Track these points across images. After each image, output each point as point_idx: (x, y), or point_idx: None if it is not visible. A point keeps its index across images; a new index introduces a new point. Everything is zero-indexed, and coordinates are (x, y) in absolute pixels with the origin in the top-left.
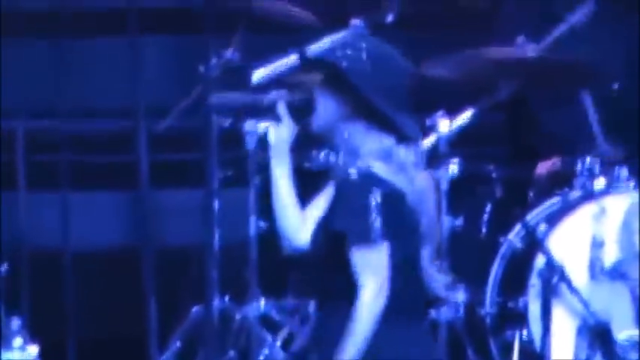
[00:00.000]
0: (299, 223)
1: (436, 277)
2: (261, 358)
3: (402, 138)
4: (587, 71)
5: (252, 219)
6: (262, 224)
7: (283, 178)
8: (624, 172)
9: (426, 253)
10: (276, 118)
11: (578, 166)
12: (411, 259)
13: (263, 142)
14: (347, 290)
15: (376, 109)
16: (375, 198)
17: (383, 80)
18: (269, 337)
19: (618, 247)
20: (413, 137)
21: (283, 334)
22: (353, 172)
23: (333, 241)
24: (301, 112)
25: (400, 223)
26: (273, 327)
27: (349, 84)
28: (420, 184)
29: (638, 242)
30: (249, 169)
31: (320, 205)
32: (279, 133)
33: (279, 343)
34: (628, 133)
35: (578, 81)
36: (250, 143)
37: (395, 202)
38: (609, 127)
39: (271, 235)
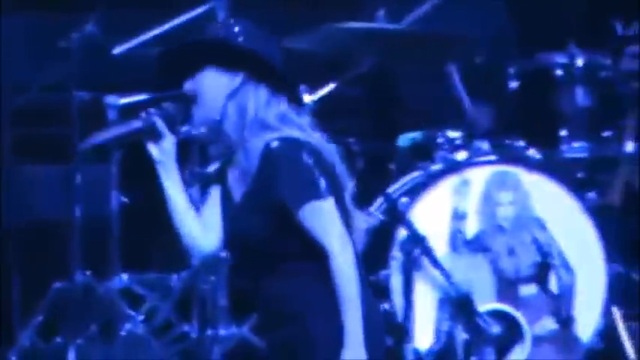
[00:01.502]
0: (201, 230)
1: (358, 215)
2: (123, 332)
3: (293, 100)
4: (449, 44)
5: (114, 194)
6: (124, 199)
7: (175, 190)
8: (485, 144)
9: (347, 196)
10: (157, 135)
11: (440, 139)
12: (342, 205)
13: (125, 114)
14: (302, 265)
15: (275, 71)
16: (307, 157)
17: (270, 50)
18: (131, 312)
19: (479, 219)
20: (301, 98)
21: (145, 307)
22: (274, 142)
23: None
24: (176, 119)
25: (331, 177)
26: (135, 301)
27: (246, 53)
28: (320, 139)
29: (498, 214)
30: (110, 144)
31: (215, 204)
32: (163, 148)
33: (141, 317)
34: (493, 105)
35: (441, 54)
36: (111, 116)
37: (320, 158)
38: (475, 99)
39: (133, 210)
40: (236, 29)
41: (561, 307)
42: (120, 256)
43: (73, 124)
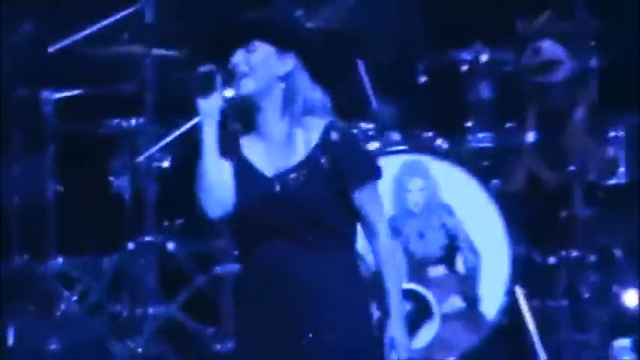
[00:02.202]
0: (231, 188)
1: None
2: (59, 312)
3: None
4: (357, 41)
5: (50, 182)
6: (59, 187)
7: (214, 145)
8: (396, 135)
9: None
10: (209, 89)
11: (354, 130)
12: None
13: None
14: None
15: (320, 57)
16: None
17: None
18: (66, 292)
19: (391, 205)
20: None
21: (79, 288)
22: (335, 127)
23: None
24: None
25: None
26: (69, 283)
27: (299, 34)
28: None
29: (409, 200)
30: (46, 134)
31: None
32: (211, 104)
33: (75, 298)
34: (403, 99)
35: (350, 50)
36: (47, 110)
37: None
38: (384, 94)
39: (67, 197)
40: (288, 15)
41: (468, 286)
42: (55, 241)
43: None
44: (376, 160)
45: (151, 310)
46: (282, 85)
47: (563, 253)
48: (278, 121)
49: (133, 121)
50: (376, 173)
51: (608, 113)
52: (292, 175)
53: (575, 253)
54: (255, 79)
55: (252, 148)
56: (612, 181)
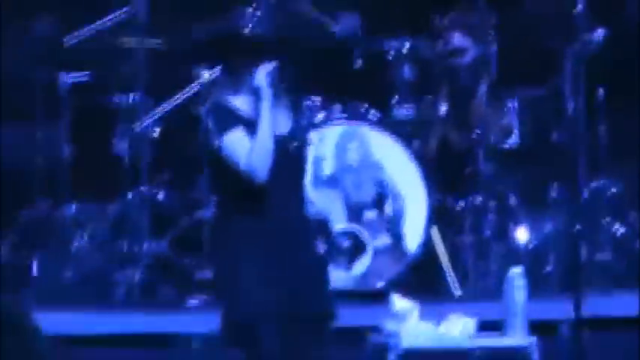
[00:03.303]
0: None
1: None
2: (72, 248)
3: None
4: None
5: (65, 144)
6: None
7: (268, 116)
8: (338, 107)
9: None
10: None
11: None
12: None
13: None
14: None
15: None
16: None
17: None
18: (78, 232)
19: (333, 163)
20: None
21: (89, 229)
22: None
23: None
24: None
25: None
26: (81, 225)
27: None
28: None
29: (348, 159)
30: (62, 106)
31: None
32: (271, 82)
33: (85, 237)
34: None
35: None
36: (64, 87)
37: None
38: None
39: (79, 157)
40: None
41: (394, 226)
42: (70, 191)
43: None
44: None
45: (145, 247)
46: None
47: (469, 199)
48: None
49: (131, 97)
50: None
51: (504, 88)
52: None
53: (478, 199)
54: None
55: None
56: (507, 143)
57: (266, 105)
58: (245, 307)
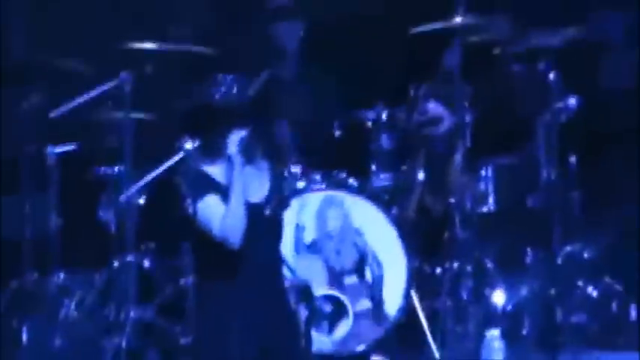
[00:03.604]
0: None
1: None
2: (61, 316)
3: None
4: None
5: (52, 216)
6: (59, 219)
7: (239, 183)
8: (318, 176)
9: None
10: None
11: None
12: None
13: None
14: None
15: None
16: None
17: None
18: (66, 301)
19: (314, 230)
20: None
21: (76, 297)
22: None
23: None
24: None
25: None
26: (68, 293)
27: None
28: None
29: (328, 226)
30: (49, 178)
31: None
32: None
33: (73, 305)
34: (322, 148)
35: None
36: (51, 161)
37: None
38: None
39: (65, 227)
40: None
41: (374, 291)
42: (58, 260)
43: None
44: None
45: (132, 314)
46: None
47: (447, 264)
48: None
49: (116, 169)
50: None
51: (479, 156)
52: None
53: (455, 265)
54: None
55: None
56: (483, 209)
57: (237, 172)
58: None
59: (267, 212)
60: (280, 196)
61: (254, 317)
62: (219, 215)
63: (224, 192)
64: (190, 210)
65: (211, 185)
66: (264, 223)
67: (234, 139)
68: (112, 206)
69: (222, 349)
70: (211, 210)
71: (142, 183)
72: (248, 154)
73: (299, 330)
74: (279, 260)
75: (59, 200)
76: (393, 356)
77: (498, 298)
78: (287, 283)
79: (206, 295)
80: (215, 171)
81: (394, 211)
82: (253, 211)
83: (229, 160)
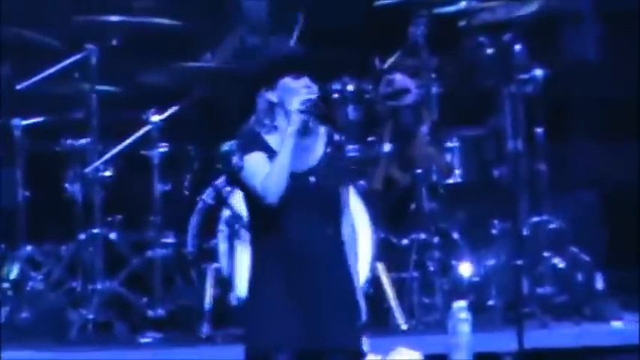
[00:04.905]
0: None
1: None
2: (28, 288)
3: None
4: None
5: (20, 190)
6: (26, 193)
7: (290, 142)
8: None
9: None
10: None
11: None
12: None
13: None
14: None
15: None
16: None
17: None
18: (33, 273)
19: None
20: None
21: (43, 270)
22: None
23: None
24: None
25: None
26: (36, 265)
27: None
28: None
29: None
30: (16, 151)
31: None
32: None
33: (40, 277)
34: None
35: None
36: (17, 133)
37: None
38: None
39: (34, 199)
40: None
41: None
42: (25, 233)
43: None
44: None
45: (98, 286)
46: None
47: (413, 236)
48: (308, 133)
49: (83, 141)
50: (352, 179)
51: (445, 128)
52: (320, 169)
53: (422, 236)
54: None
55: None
56: (449, 181)
57: (291, 131)
58: (260, 340)
59: (312, 181)
60: (333, 167)
61: (298, 283)
62: (263, 172)
63: (272, 154)
64: (238, 163)
65: (262, 144)
66: (308, 191)
67: (299, 99)
68: (78, 179)
69: (261, 315)
70: (257, 165)
71: (108, 156)
72: (310, 115)
73: (352, 303)
74: (329, 229)
75: (26, 173)
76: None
77: (465, 269)
78: None
79: (253, 252)
80: (270, 139)
81: (361, 183)
82: (297, 178)
83: (287, 115)
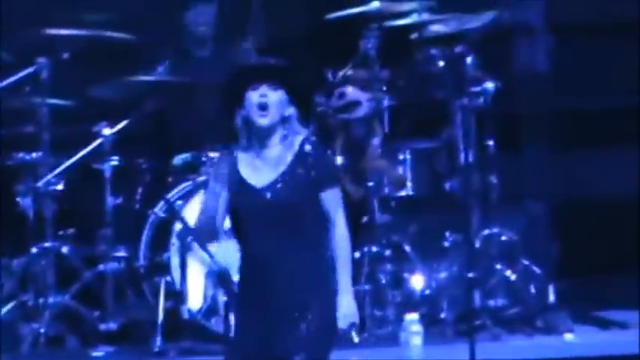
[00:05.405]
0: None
1: None
2: None
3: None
4: (205, 90)
5: None
6: None
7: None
8: None
9: None
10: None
11: (204, 159)
12: None
13: None
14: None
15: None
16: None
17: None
18: None
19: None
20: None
21: None
22: (309, 141)
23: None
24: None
25: None
26: None
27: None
28: None
29: None
30: None
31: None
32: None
33: None
34: None
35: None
36: None
37: None
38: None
39: None
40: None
41: None
42: None
43: None
44: (337, 169)
45: (50, 299)
46: (285, 124)
47: (366, 248)
48: (274, 146)
49: (34, 155)
50: (337, 180)
51: (397, 141)
52: (279, 185)
53: (374, 249)
54: (271, 116)
55: (247, 167)
56: (401, 193)
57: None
58: (227, 353)
59: (268, 197)
60: (288, 181)
61: (261, 296)
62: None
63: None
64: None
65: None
66: (263, 208)
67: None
68: (30, 193)
69: (235, 326)
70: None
71: (60, 169)
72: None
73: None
74: (292, 242)
75: None
76: None
77: (417, 282)
78: (205, 269)
79: (249, 274)
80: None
81: None
82: (254, 193)
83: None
